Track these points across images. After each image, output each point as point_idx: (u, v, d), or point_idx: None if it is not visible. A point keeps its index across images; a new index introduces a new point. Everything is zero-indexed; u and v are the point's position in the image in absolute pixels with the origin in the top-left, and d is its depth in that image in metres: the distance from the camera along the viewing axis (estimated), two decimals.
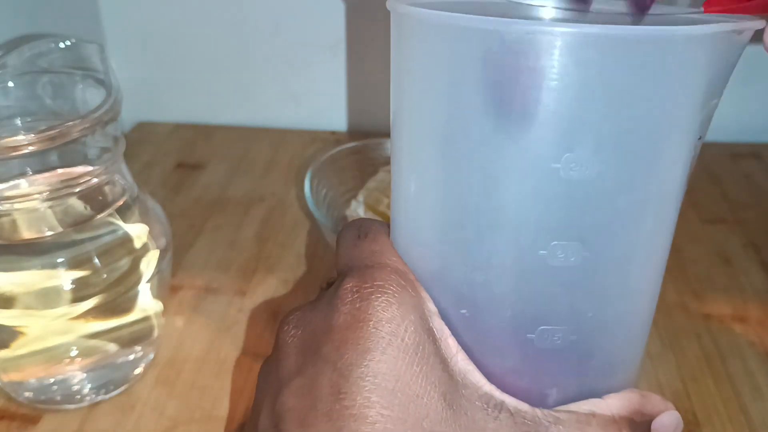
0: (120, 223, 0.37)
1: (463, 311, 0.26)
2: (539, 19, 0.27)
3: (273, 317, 0.44)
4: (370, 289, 0.24)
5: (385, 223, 0.29)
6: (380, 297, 0.24)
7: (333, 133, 0.68)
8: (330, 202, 0.50)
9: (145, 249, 0.37)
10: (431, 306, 0.25)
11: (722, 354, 0.41)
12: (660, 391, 0.39)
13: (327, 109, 0.68)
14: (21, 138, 0.31)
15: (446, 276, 0.26)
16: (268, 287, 0.47)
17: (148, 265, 0.38)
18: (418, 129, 0.25)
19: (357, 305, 0.24)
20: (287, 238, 0.53)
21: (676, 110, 0.23)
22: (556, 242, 0.23)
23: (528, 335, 0.25)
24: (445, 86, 0.23)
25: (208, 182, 0.60)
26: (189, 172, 0.62)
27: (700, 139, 0.24)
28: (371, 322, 0.23)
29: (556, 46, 0.21)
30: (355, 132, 0.69)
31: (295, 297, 0.46)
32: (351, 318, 0.24)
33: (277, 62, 0.67)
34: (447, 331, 0.25)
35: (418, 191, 0.26)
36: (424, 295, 0.26)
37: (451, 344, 0.25)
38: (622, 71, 0.21)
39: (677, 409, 0.37)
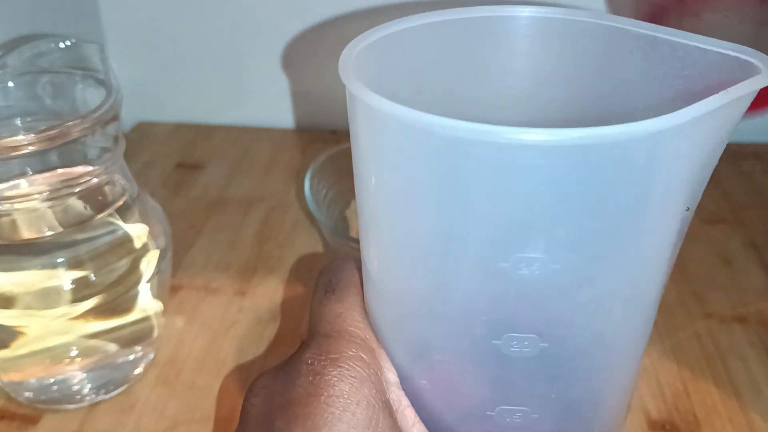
0: (120, 223, 0.37)
1: (424, 382, 0.25)
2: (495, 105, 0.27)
3: (273, 317, 0.45)
4: (324, 362, 0.24)
5: (358, 269, 0.28)
6: (333, 371, 0.24)
7: (333, 132, 0.68)
8: (330, 201, 0.50)
9: (145, 249, 0.37)
10: (390, 376, 0.25)
11: (722, 354, 0.41)
12: (660, 391, 0.39)
13: (327, 109, 0.68)
14: (21, 138, 0.31)
15: (406, 348, 0.25)
16: (268, 287, 0.47)
17: (148, 265, 0.38)
18: (374, 206, 0.24)
19: (310, 379, 0.24)
20: (287, 238, 0.53)
21: (648, 203, 0.21)
22: (510, 334, 0.23)
23: (488, 412, 0.25)
24: (394, 174, 0.22)
25: (208, 182, 0.60)
26: (189, 172, 0.62)
27: (687, 209, 0.23)
28: (322, 397, 0.23)
29: (493, 152, 0.19)
30: None
31: (295, 297, 0.46)
32: (304, 392, 0.24)
33: (277, 63, 0.67)
34: (405, 402, 0.25)
35: (379, 270, 0.25)
36: (385, 363, 0.25)
37: (408, 415, 0.25)
38: (577, 176, 0.19)
39: (677, 409, 0.37)
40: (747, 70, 0.21)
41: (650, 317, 0.25)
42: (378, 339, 0.26)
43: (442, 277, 0.23)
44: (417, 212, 0.22)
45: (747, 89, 0.20)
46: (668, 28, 0.24)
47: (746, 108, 0.21)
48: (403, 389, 0.26)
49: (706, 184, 0.23)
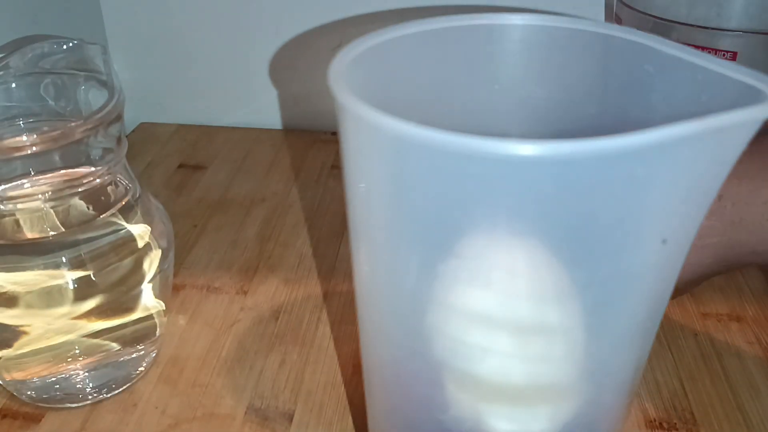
0: (122, 223, 0.37)
1: (389, 373, 0.26)
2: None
3: (275, 316, 0.45)
4: None
5: None
6: None
7: (333, 134, 0.68)
8: None
9: (147, 249, 0.38)
10: None
11: (719, 353, 0.41)
12: (657, 390, 0.39)
13: (328, 110, 0.68)
14: (24, 139, 0.32)
15: (381, 344, 0.26)
16: (270, 286, 0.48)
17: (151, 264, 0.38)
18: (363, 211, 0.24)
19: None
20: (288, 237, 0.53)
21: (598, 227, 0.20)
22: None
23: (440, 416, 0.25)
24: (361, 173, 0.23)
25: (210, 183, 0.60)
26: (191, 172, 0.62)
27: (665, 242, 0.21)
28: None
29: (434, 156, 0.19)
30: None
31: (296, 296, 0.47)
32: None
33: (278, 64, 0.67)
34: None
35: (368, 272, 0.26)
36: None
37: None
38: (517, 188, 0.19)
39: (675, 407, 0.37)
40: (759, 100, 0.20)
41: (619, 352, 0.24)
42: (365, 335, 0.27)
43: (393, 272, 0.23)
44: (370, 204, 0.23)
45: (730, 120, 0.18)
46: (692, 49, 0.23)
47: (743, 141, 0.20)
48: (377, 377, 0.26)
49: (695, 217, 0.22)
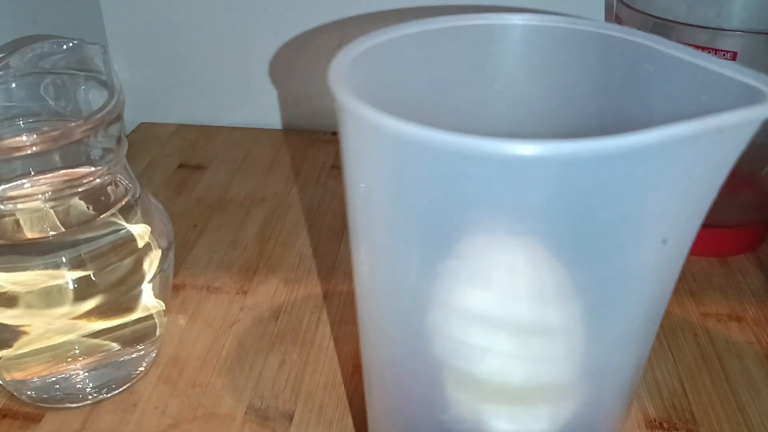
0: (122, 223, 0.37)
1: (389, 375, 0.26)
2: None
3: (274, 316, 0.45)
4: None
5: None
6: None
7: (333, 134, 0.68)
8: None
9: (147, 249, 0.38)
10: None
11: (719, 353, 0.41)
12: (657, 389, 0.39)
13: (328, 110, 0.68)
14: (24, 139, 0.32)
15: (380, 345, 0.26)
16: (270, 286, 0.48)
17: (151, 264, 0.38)
18: (363, 212, 0.24)
19: None
20: (288, 237, 0.53)
21: (599, 227, 0.20)
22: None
23: (439, 416, 0.25)
24: (361, 173, 0.23)
25: (210, 183, 0.60)
26: (191, 172, 0.62)
27: (665, 242, 0.21)
28: None
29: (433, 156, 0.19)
30: None
31: (296, 296, 0.47)
32: None
33: (278, 64, 0.67)
34: None
35: (369, 273, 0.26)
36: None
37: None
38: (516, 189, 0.19)
39: (674, 407, 0.37)
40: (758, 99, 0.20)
41: (619, 352, 0.24)
42: (365, 335, 0.27)
43: (395, 273, 0.23)
44: (370, 203, 0.23)
45: (730, 120, 0.19)
46: (692, 49, 0.23)
47: (743, 141, 0.20)
48: (377, 377, 0.26)
49: (695, 217, 0.22)
